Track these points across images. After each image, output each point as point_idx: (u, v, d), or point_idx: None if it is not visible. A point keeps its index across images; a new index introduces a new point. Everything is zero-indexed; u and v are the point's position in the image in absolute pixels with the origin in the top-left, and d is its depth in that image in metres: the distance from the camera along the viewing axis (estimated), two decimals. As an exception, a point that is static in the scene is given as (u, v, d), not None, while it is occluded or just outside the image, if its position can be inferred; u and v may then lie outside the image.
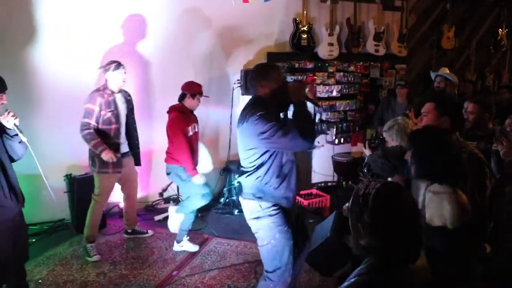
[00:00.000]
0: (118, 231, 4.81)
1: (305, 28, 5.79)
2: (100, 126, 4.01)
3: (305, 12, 5.76)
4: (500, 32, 8.04)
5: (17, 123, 2.88)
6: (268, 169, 2.84)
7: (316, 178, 6.42)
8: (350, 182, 5.85)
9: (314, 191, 5.96)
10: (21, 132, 2.90)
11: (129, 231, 4.66)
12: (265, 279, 3.00)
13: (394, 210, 1.49)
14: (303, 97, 2.93)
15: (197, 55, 5.43)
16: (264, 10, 5.61)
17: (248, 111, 2.82)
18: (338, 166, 5.94)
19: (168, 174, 4.31)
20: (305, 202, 5.59)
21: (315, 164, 6.40)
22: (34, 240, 4.42)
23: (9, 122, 2.83)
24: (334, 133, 6.34)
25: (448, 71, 5.92)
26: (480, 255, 2.72)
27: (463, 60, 7.96)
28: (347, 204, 2.46)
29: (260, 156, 2.83)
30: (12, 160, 2.95)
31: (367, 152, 3.22)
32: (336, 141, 6.37)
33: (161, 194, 5.42)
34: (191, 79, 4.30)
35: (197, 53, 5.44)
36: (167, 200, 5.49)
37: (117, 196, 5.23)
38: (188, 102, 4.23)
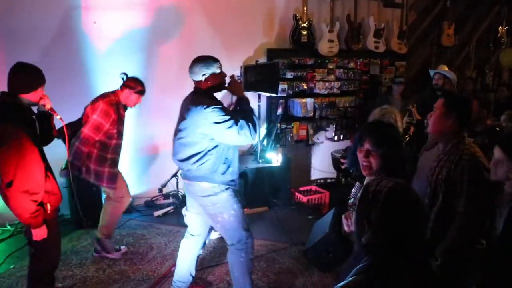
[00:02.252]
0: (117, 226, 4.81)
1: (305, 25, 5.78)
2: (98, 138, 3.80)
3: (305, 8, 5.75)
4: (500, 30, 8.03)
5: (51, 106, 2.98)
6: (215, 157, 3.02)
7: (315, 174, 6.43)
8: (349, 178, 5.85)
9: (313, 187, 5.97)
10: (56, 112, 3.01)
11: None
12: (233, 253, 3.19)
13: (402, 212, 1.47)
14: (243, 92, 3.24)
15: (196, 51, 5.38)
16: (264, 6, 5.61)
17: (193, 103, 3.00)
18: (337, 162, 5.94)
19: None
20: (304, 199, 5.60)
21: (314, 161, 6.42)
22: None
23: (47, 104, 2.93)
24: (334, 129, 6.34)
25: (446, 68, 5.92)
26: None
27: (463, 58, 7.95)
28: (352, 199, 2.44)
29: (206, 145, 3.00)
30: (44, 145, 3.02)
31: None
32: (336, 137, 6.37)
33: (160, 190, 5.42)
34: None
35: (197, 49, 5.41)
36: (166, 196, 5.50)
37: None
38: None
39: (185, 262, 3.40)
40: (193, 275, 3.45)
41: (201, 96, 3.04)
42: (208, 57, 3.12)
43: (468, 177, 2.42)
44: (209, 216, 3.19)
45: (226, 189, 3.09)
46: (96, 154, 3.83)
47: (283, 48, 5.86)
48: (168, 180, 5.41)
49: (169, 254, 4.27)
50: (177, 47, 5.29)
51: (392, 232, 1.46)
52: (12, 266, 3.95)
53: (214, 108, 2.92)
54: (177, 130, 3.16)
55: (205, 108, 2.91)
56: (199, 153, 3.01)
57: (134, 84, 3.90)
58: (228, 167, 3.09)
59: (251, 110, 3.17)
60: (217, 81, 3.08)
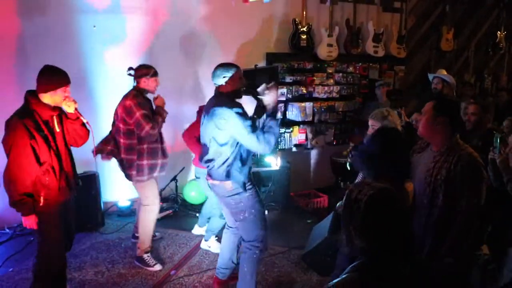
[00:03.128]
0: (116, 230, 4.82)
1: (304, 29, 5.80)
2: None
3: (304, 12, 5.77)
4: (498, 35, 8.06)
5: (77, 107, 3.08)
6: (238, 157, 3.17)
7: (314, 178, 6.43)
8: (348, 182, 5.85)
9: (312, 191, 5.97)
10: (81, 115, 3.13)
11: (137, 234, 4.30)
12: (248, 249, 3.32)
13: (385, 217, 1.53)
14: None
15: (196, 55, 5.44)
16: (264, 10, 5.62)
17: (216, 104, 3.11)
18: (336, 166, 5.95)
19: (197, 178, 4.43)
20: (303, 203, 5.60)
21: (313, 165, 6.42)
22: (32, 238, 4.42)
23: (70, 107, 3.04)
24: (333, 133, 6.34)
25: (445, 73, 5.93)
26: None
27: (462, 62, 7.97)
28: (339, 203, 2.49)
29: (226, 144, 3.13)
30: (77, 145, 3.24)
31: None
32: (335, 142, 6.38)
33: (159, 193, 5.41)
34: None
35: (196, 53, 5.45)
36: (165, 200, 5.50)
37: (115, 196, 5.26)
38: None
39: (227, 251, 3.62)
40: (235, 262, 3.62)
41: (224, 98, 3.17)
42: (229, 63, 3.31)
43: (468, 177, 2.45)
44: (232, 214, 3.35)
45: (249, 188, 3.23)
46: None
47: (283, 52, 5.87)
48: (167, 184, 5.41)
49: (168, 257, 4.26)
50: (176, 51, 5.30)
51: (375, 236, 1.52)
52: (11, 269, 3.94)
53: (237, 110, 3.05)
54: (202, 134, 3.31)
55: (228, 108, 3.04)
56: (224, 153, 3.15)
57: (146, 70, 3.93)
58: (248, 166, 3.24)
59: (278, 120, 3.23)
60: (236, 85, 3.23)
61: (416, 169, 2.72)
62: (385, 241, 1.51)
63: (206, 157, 3.26)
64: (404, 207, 1.61)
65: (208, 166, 3.29)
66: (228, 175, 3.17)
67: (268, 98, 3.19)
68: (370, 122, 3.29)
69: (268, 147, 3.06)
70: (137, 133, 3.80)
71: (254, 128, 3.04)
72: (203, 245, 4.47)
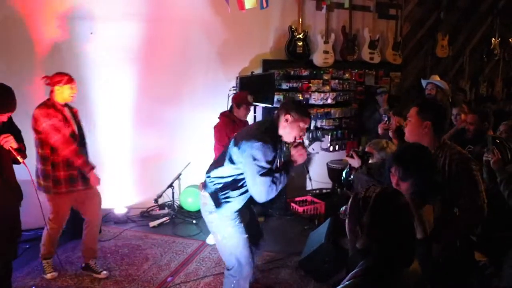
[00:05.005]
0: (113, 237, 4.80)
1: (300, 36, 5.83)
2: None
3: (300, 19, 5.80)
4: (493, 41, 8.12)
5: (14, 146, 2.98)
6: (233, 185, 2.98)
7: (311, 185, 6.43)
8: (344, 189, 5.86)
9: (309, 197, 5.98)
10: (19, 153, 3.05)
11: (83, 265, 4.03)
12: (226, 276, 3.13)
13: (392, 213, 1.53)
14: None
15: (192, 62, 5.45)
16: (260, 17, 5.65)
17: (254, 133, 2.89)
18: (333, 173, 5.95)
19: None
20: (300, 209, 5.60)
21: (310, 171, 6.41)
22: (28, 246, 4.40)
23: (6, 144, 2.95)
24: (329, 140, 6.36)
25: (438, 79, 5.98)
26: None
27: (457, 68, 8.03)
28: (344, 208, 2.48)
29: (235, 174, 2.95)
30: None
31: (354, 162, 3.04)
32: (331, 148, 6.39)
33: (156, 200, 5.41)
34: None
35: (193, 59, 5.46)
36: (162, 207, 5.49)
37: (111, 203, 5.24)
38: (236, 112, 4.57)
39: None
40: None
41: (268, 131, 2.97)
42: (306, 109, 3.15)
43: (464, 176, 2.46)
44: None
45: (227, 215, 3.01)
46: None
47: (279, 59, 5.90)
48: (164, 191, 5.40)
49: (165, 264, 4.25)
50: (173, 58, 5.31)
51: (382, 234, 1.51)
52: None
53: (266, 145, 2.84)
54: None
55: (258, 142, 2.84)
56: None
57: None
58: (242, 200, 3.03)
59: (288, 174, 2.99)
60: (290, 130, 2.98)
61: None
62: (391, 239, 1.50)
63: (214, 170, 3.06)
64: (410, 208, 1.59)
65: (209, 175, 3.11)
66: (208, 188, 3.05)
67: (300, 159, 3.00)
68: (367, 149, 3.21)
69: (265, 196, 2.85)
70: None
71: (267, 173, 2.81)
72: (209, 240, 4.56)
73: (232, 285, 3.09)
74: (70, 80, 3.71)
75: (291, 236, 4.98)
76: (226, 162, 2.97)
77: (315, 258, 3.90)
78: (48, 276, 3.89)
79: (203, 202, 3.10)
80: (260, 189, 2.83)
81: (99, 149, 5.06)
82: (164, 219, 5.24)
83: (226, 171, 2.98)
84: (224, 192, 2.99)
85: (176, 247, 4.64)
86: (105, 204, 5.17)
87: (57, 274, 3.93)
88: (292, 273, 4.12)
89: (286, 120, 2.90)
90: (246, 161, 2.83)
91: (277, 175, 2.86)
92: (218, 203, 3.00)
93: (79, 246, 4.47)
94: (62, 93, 3.69)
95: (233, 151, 2.93)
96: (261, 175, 2.79)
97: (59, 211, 3.79)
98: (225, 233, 3.03)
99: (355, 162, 3.02)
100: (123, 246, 4.61)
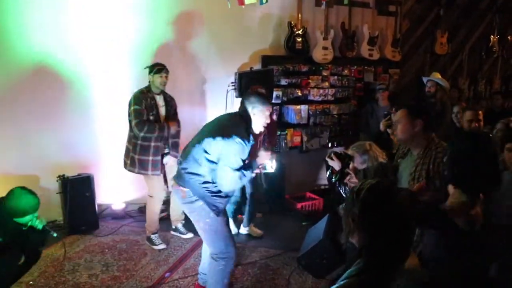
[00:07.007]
0: (111, 232, 4.80)
1: (299, 32, 5.81)
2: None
3: (300, 15, 5.78)
4: (491, 39, 8.12)
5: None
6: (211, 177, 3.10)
7: (309, 181, 6.44)
8: (343, 185, 5.85)
9: (307, 194, 5.98)
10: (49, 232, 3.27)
11: (173, 227, 4.83)
12: (214, 260, 3.22)
13: (383, 205, 1.52)
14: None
15: (191, 57, 5.43)
16: (259, 13, 5.64)
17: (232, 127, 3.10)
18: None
19: None
20: (298, 205, 5.60)
21: (308, 167, 6.42)
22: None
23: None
24: (328, 136, 6.35)
25: (439, 76, 5.97)
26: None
27: (456, 66, 8.02)
28: (342, 205, 2.47)
29: (213, 163, 3.06)
30: None
31: (334, 164, 2.99)
32: (330, 144, 6.39)
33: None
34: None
35: (192, 55, 5.45)
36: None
37: (109, 198, 5.24)
38: None
39: (207, 255, 3.48)
40: None
41: (241, 126, 3.20)
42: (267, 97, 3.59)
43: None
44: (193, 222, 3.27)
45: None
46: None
47: (278, 55, 5.88)
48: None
49: (163, 260, 4.25)
50: (172, 54, 5.28)
51: (373, 226, 1.50)
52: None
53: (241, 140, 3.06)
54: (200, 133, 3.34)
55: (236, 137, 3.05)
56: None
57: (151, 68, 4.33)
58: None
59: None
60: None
61: (401, 178, 2.84)
62: (383, 232, 1.49)
63: (186, 161, 3.18)
64: (406, 201, 1.58)
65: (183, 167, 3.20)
66: (187, 182, 3.13)
67: (271, 169, 3.38)
68: (350, 152, 3.15)
69: (230, 190, 3.13)
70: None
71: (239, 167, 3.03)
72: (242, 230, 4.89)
73: (221, 267, 3.21)
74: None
75: (289, 232, 4.98)
76: (203, 161, 3.07)
77: (313, 255, 3.89)
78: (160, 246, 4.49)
79: (181, 196, 3.17)
80: (229, 183, 3.04)
81: (97, 144, 5.07)
82: (162, 214, 5.22)
83: (204, 170, 3.09)
84: (204, 186, 3.10)
85: (174, 243, 4.64)
86: (103, 199, 5.20)
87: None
88: (290, 269, 4.12)
89: (254, 114, 3.17)
90: (223, 154, 3.00)
91: (246, 172, 3.09)
92: (199, 194, 3.11)
93: (77, 242, 4.50)
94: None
95: (207, 141, 3.04)
96: (234, 169, 2.99)
97: None
98: (207, 218, 3.13)
99: (335, 164, 2.99)
100: (121, 241, 4.61)
